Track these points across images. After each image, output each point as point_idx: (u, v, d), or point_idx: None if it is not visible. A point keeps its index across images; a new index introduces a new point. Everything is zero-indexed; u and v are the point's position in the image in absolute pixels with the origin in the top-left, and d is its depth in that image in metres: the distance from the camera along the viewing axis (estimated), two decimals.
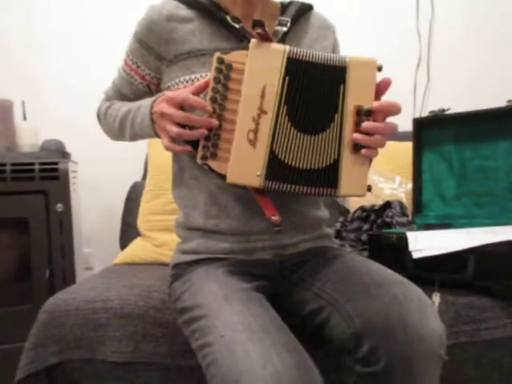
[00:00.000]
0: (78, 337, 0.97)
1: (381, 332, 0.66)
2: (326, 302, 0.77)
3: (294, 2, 0.94)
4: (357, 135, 0.74)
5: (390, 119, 0.77)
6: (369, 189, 0.78)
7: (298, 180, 0.76)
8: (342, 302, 0.74)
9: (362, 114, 0.74)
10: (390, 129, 0.75)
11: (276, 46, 0.75)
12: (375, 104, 0.74)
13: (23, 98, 1.72)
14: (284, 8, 0.93)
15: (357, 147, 0.75)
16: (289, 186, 0.76)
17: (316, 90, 0.75)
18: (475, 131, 1.31)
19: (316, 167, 0.76)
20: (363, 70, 0.75)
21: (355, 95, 0.75)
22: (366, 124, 0.74)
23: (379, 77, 0.76)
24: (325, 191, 0.77)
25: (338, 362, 0.73)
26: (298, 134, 0.75)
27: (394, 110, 0.75)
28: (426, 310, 0.68)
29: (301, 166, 0.76)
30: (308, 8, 0.94)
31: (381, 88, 0.76)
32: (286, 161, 0.75)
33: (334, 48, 0.98)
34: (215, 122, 0.75)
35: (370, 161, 0.79)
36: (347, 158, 0.76)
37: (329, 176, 0.76)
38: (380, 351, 0.66)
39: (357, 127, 0.75)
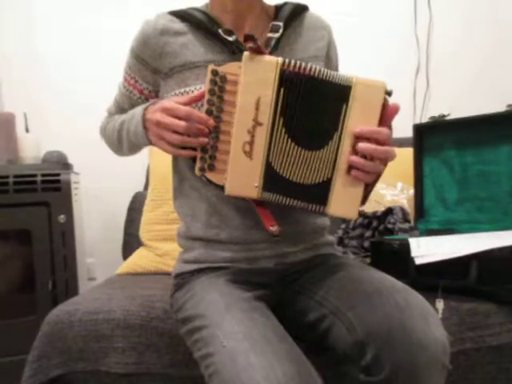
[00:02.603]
0: (82, 348, 0.96)
1: (383, 341, 0.66)
2: (328, 311, 0.77)
3: (289, 2, 0.92)
4: (353, 157, 0.73)
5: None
6: (361, 214, 0.76)
7: (292, 193, 0.76)
8: (344, 311, 0.73)
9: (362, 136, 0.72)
10: (384, 153, 0.72)
11: (269, 58, 0.73)
12: (357, 130, 0.72)
13: (25, 111, 1.74)
14: (277, 10, 0.91)
15: (351, 169, 0.74)
16: (284, 198, 0.76)
17: (315, 105, 0.73)
18: (476, 136, 1.31)
19: (309, 182, 0.76)
20: (369, 92, 0.73)
21: (358, 117, 0.73)
22: (362, 145, 0.72)
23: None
24: (313, 207, 0.76)
25: (340, 371, 0.72)
26: (296, 147, 0.74)
27: (379, 136, 0.72)
28: (429, 318, 0.67)
29: (295, 180, 0.75)
30: (302, 9, 0.92)
31: (388, 113, 0.74)
32: (282, 173, 0.75)
33: (329, 47, 0.95)
34: (208, 129, 0.75)
35: (368, 185, 0.77)
36: (340, 179, 0.75)
37: (320, 193, 0.76)
38: (383, 360, 0.65)
39: (355, 149, 0.73)
